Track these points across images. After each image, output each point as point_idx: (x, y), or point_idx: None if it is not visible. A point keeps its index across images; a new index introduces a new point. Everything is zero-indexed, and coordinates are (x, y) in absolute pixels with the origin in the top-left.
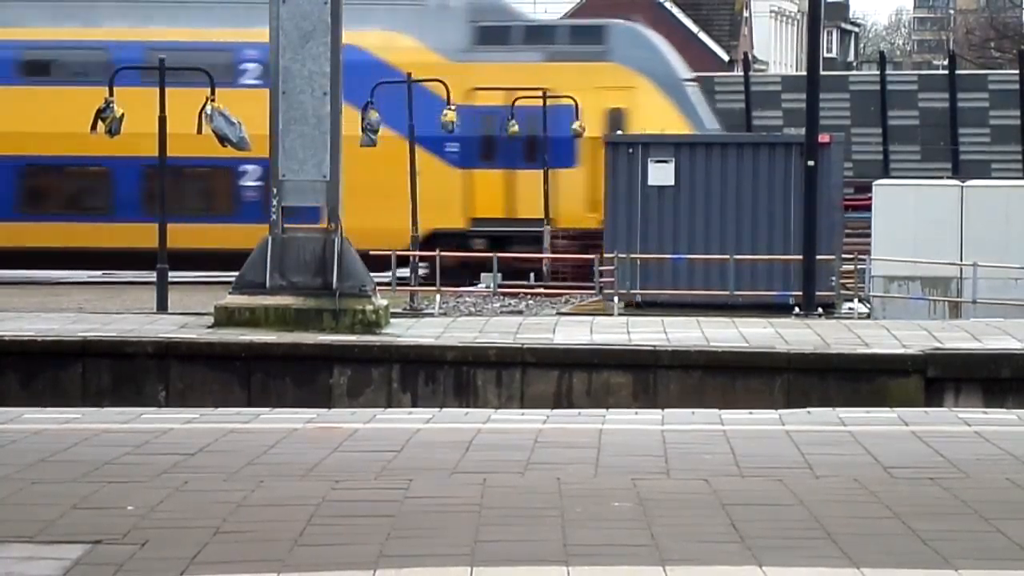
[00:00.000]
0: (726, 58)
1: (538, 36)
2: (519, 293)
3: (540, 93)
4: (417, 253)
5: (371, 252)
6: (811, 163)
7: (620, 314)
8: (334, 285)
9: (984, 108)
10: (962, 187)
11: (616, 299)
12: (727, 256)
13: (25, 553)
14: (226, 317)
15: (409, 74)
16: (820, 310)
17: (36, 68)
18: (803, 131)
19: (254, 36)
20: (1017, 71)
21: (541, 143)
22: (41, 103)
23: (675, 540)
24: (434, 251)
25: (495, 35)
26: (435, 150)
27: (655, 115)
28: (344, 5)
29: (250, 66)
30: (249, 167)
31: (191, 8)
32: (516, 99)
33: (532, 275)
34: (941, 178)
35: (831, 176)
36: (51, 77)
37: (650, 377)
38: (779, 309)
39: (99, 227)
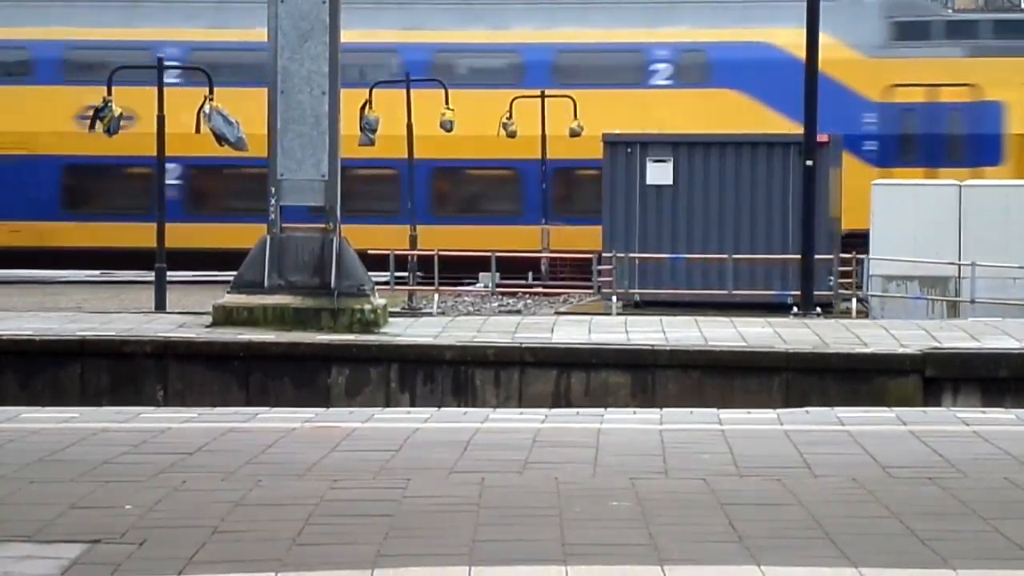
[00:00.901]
0: None
1: (960, 31)
2: (517, 292)
3: (963, 89)
4: (415, 252)
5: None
6: (809, 162)
7: (618, 314)
8: (332, 284)
9: None
10: (960, 187)
11: (615, 298)
12: (726, 255)
13: (23, 552)
14: (224, 317)
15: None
16: (818, 309)
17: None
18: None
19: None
20: None
21: (964, 141)
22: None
23: (673, 540)
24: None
25: (912, 30)
26: (852, 148)
27: None
28: (755, 4)
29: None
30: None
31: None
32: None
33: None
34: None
35: (830, 175)
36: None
37: (648, 377)
38: (778, 308)
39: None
